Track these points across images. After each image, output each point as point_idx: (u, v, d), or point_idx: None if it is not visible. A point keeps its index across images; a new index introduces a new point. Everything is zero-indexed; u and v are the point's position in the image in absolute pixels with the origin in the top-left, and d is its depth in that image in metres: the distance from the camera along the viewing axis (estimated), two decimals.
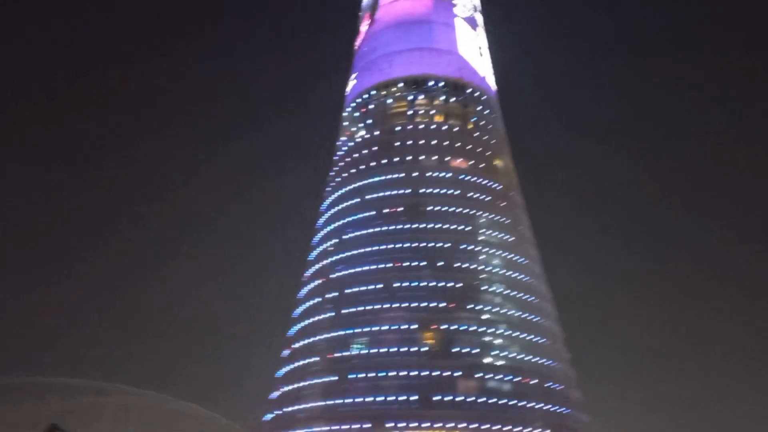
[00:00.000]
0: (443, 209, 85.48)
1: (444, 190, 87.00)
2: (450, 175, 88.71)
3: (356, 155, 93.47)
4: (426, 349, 77.96)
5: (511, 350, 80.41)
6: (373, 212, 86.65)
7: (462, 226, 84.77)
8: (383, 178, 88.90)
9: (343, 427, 74.55)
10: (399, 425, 73.08)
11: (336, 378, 78.15)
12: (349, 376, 77.37)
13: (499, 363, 78.99)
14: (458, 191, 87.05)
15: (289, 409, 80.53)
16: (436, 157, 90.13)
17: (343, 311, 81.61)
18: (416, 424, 73.26)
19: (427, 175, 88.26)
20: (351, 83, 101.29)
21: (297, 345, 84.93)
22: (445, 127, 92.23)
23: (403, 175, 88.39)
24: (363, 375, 77.02)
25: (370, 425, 73.45)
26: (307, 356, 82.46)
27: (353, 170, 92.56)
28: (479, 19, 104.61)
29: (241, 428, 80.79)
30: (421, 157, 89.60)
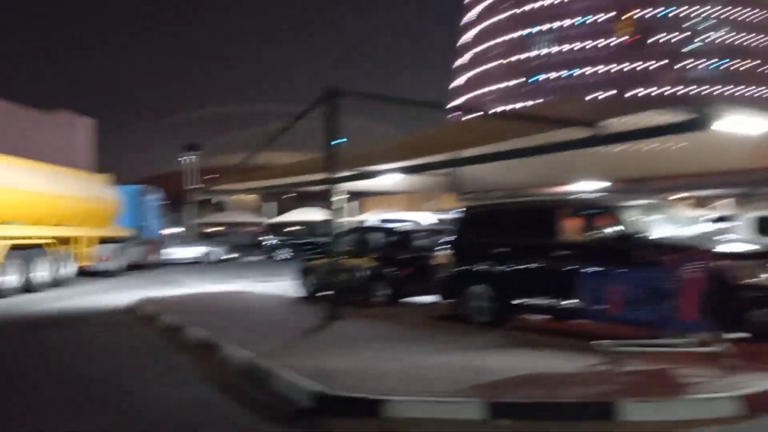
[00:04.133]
0: None
1: None
2: None
3: None
4: (621, 40, 70.50)
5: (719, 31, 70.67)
6: None
7: None
8: None
9: None
10: None
11: (521, 80, 74.60)
12: (532, 79, 73.36)
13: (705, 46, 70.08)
14: None
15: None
16: None
17: (525, 8, 74.49)
18: None
19: None
20: None
21: (474, 50, 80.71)
22: None
23: None
24: (550, 75, 72.69)
25: None
26: (486, 62, 78.68)
27: None
28: None
29: None
30: None
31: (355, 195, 39.19)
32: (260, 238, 32.70)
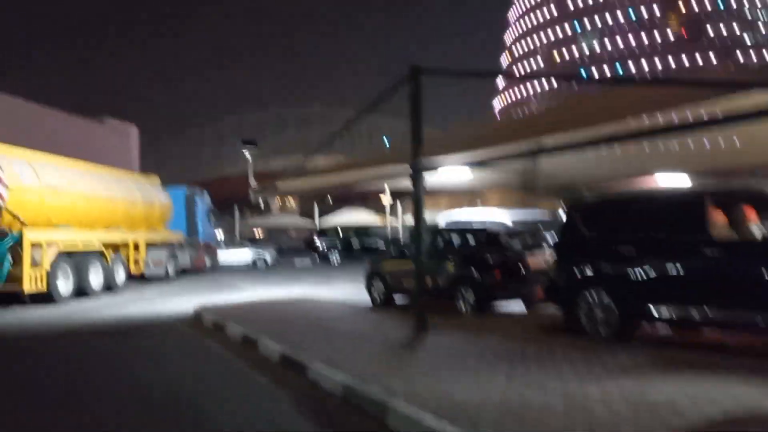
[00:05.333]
0: None
1: None
2: None
3: None
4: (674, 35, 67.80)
5: None
6: None
7: None
8: None
9: None
10: None
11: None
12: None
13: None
14: None
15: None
16: None
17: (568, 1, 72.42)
18: None
19: None
20: None
21: (516, 46, 78.92)
22: None
23: None
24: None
25: None
26: (528, 57, 76.77)
27: None
28: None
29: None
30: None
31: (395, 195, 38.10)
32: (311, 241, 31.77)
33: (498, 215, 12.05)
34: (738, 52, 67.34)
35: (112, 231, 17.26)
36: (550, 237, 10.71)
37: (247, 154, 32.99)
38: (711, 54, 67.60)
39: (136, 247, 18.52)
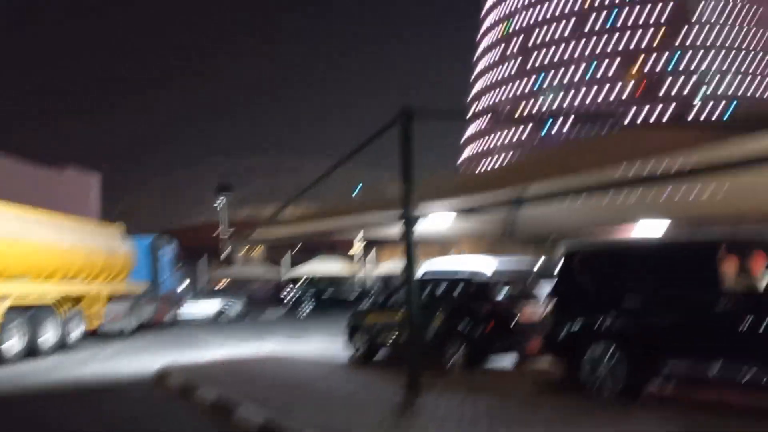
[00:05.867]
0: None
1: None
2: None
3: None
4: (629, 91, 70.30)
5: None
6: None
7: None
8: None
9: None
10: None
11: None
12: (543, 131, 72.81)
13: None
14: None
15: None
16: None
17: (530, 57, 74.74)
18: None
19: None
20: None
21: (478, 104, 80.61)
22: None
23: None
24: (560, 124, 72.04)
25: None
26: (492, 109, 78.36)
27: None
28: None
29: None
30: None
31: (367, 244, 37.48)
32: (281, 291, 30.75)
33: (483, 263, 11.54)
34: (693, 107, 69.97)
35: (69, 283, 16.18)
36: (543, 286, 10.23)
37: (220, 201, 32.17)
38: (667, 108, 70.11)
39: (95, 300, 17.41)
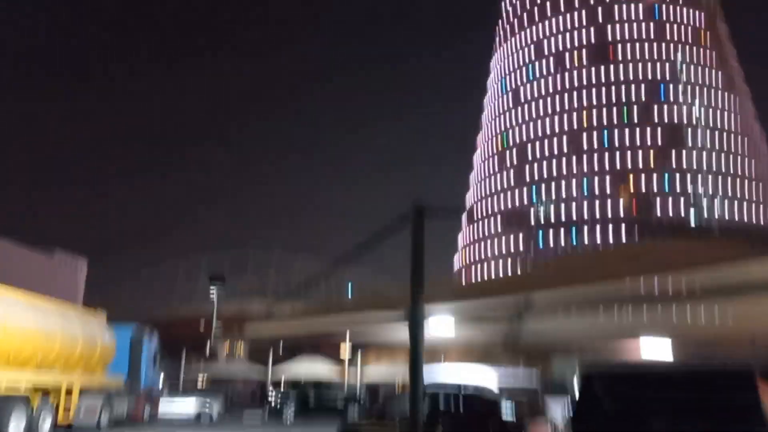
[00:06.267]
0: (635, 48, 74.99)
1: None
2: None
3: None
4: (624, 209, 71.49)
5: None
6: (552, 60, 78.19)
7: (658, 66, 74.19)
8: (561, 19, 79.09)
9: None
10: None
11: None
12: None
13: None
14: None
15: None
16: None
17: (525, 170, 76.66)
18: None
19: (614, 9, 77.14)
20: None
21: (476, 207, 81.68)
22: None
23: (584, 12, 78.04)
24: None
25: None
26: (487, 218, 79.29)
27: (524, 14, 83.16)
28: None
29: None
30: None
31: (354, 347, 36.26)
32: (263, 392, 29.28)
33: (486, 375, 10.88)
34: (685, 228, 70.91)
35: (43, 372, 15.23)
36: (552, 406, 9.58)
37: (213, 292, 31.40)
38: (659, 230, 71.00)
39: (69, 391, 16.35)
